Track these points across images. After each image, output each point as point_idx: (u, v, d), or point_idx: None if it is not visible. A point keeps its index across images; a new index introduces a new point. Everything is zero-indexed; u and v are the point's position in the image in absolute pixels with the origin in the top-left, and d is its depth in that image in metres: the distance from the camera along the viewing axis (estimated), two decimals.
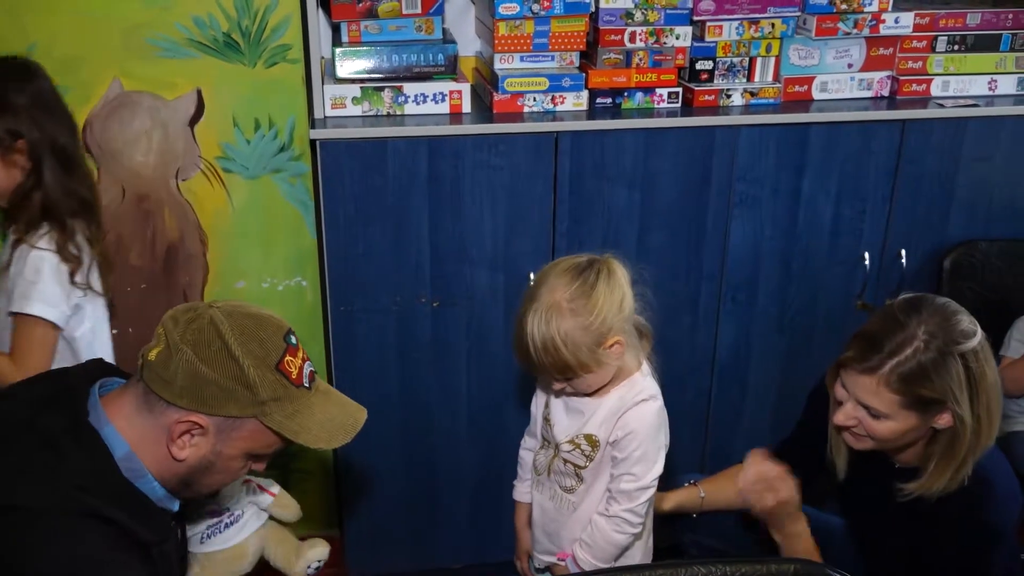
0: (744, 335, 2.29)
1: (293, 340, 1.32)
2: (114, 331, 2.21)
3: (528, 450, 1.85)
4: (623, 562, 1.74)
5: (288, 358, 1.30)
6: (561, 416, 1.71)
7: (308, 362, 1.35)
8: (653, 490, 1.67)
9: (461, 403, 2.24)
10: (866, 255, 2.24)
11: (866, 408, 1.55)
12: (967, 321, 1.52)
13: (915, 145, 2.17)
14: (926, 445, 1.58)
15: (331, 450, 2.43)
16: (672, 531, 1.93)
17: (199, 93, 2.08)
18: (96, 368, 1.39)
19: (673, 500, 1.88)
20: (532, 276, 2.10)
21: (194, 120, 2.10)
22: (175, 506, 1.37)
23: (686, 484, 1.91)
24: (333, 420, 1.35)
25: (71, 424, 1.25)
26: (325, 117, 2.04)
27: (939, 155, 2.19)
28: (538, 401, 1.79)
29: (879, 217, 2.22)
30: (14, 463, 1.22)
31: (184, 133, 2.11)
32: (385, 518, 2.33)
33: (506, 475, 2.28)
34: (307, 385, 1.33)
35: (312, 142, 2.02)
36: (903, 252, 2.24)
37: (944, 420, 1.52)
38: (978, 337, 1.50)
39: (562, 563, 1.75)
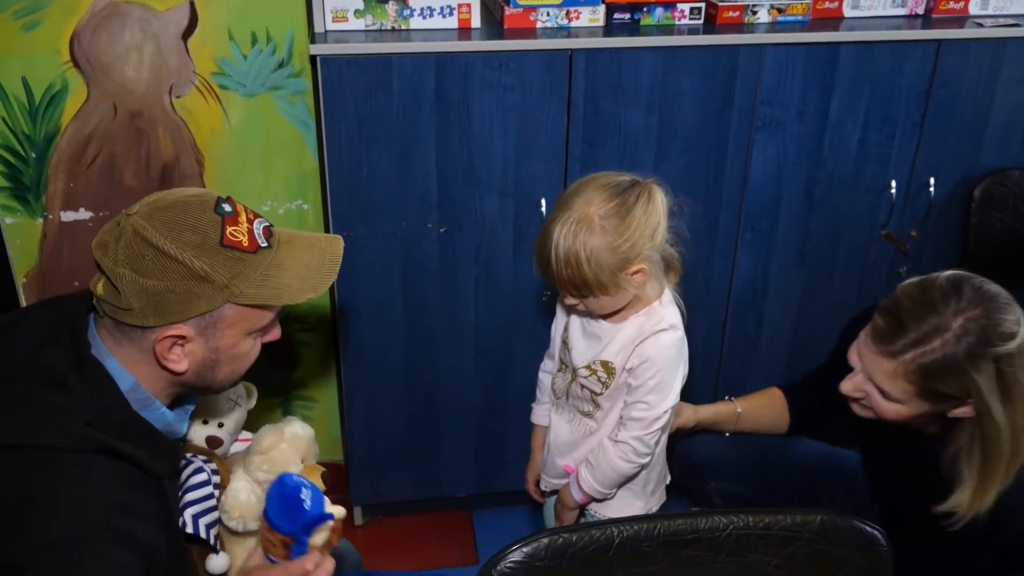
0: (762, 265, 2.22)
1: (227, 208, 1.24)
2: None
3: (547, 372, 1.82)
4: (633, 488, 1.73)
5: (230, 228, 1.22)
6: (579, 340, 1.67)
7: (258, 219, 1.27)
8: (664, 420, 1.64)
9: (468, 331, 2.19)
10: (893, 183, 2.15)
11: (877, 387, 1.46)
12: (1012, 321, 1.35)
13: (950, 67, 2.06)
14: (954, 431, 1.46)
15: (335, 380, 2.41)
16: (698, 477, 1.89)
17: (192, 4, 1.97)
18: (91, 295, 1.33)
19: (710, 411, 1.85)
20: (544, 201, 2.04)
21: (187, 33, 2.00)
22: (183, 428, 1.35)
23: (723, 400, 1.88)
24: (308, 266, 1.29)
25: (75, 359, 1.21)
26: (326, 31, 1.94)
27: (975, 78, 2.08)
28: (557, 323, 1.76)
29: (908, 143, 2.12)
30: (20, 402, 1.18)
31: (177, 47, 2.01)
32: (389, 446, 2.31)
33: (512, 404, 2.26)
34: (265, 244, 1.26)
35: (312, 58, 1.92)
36: (932, 180, 2.15)
37: (961, 411, 1.41)
38: (1019, 339, 1.35)
39: (565, 479, 1.75)
